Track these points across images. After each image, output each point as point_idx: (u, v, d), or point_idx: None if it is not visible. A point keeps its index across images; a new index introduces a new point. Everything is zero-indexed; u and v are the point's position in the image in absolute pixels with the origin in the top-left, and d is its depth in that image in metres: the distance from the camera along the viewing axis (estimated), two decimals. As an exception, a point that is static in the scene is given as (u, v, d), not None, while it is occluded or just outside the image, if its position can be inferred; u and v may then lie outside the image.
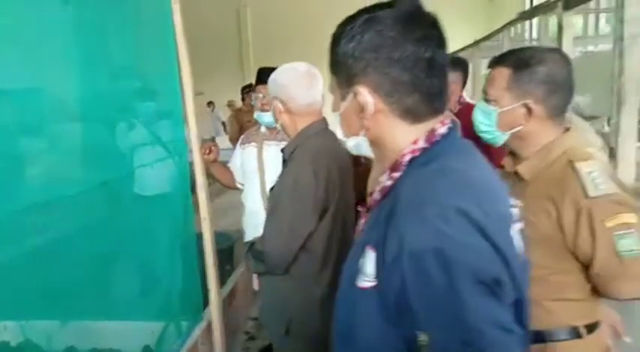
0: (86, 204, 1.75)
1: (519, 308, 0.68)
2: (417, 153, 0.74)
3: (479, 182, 0.72)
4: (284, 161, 1.49)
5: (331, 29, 0.79)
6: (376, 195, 0.80)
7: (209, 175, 2.05)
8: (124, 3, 1.96)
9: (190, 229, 1.97)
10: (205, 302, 2.01)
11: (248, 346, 2.70)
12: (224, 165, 2.36)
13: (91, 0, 1.83)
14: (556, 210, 1.10)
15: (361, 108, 0.74)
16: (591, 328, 1.17)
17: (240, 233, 2.39)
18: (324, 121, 1.50)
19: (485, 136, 1.27)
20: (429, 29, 0.73)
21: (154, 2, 1.91)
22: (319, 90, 1.48)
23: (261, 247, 1.40)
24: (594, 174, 1.08)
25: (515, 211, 0.80)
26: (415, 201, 0.68)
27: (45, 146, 1.65)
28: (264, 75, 1.96)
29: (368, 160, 1.72)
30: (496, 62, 1.24)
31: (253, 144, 2.24)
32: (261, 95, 2.11)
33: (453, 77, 2.57)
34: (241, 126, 4.84)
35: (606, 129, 3.02)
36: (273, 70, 1.53)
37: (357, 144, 0.83)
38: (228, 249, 3.10)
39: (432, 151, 0.74)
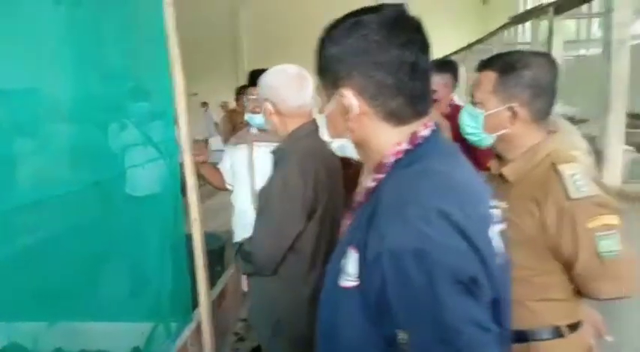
0: (76, 204, 1.75)
1: (497, 307, 0.70)
2: (401, 155, 0.75)
3: (461, 184, 0.74)
4: (274, 162, 1.50)
5: (326, 30, 0.80)
6: (360, 197, 0.82)
7: (199, 176, 2.05)
8: (116, 2, 1.96)
9: (180, 230, 1.97)
10: (195, 304, 2.01)
11: (237, 347, 2.70)
12: (214, 166, 2.36)
13: (83, 0, 1.83)
14: (539, 211, 1.12)
15: (346, 111, 0.76)
16: (574, 327, 1.19)
17: (231, 234, 2.39)
18: (314, 123, 1.51)
19: (472, 138, 1.28)
20: (413, 34, 0.74)
21: (146, 2, 1.92)
22: (309, 92, 1.49)
23: (250, 248, 1.41)
24: (577, 176, 1.10)
25: (496, 212, 0.81)
26: (397, 202, 0.69)
27: (36, 146, 1.65)
28: (256, 77, 1.96)
29: (359, 162, 1.73)
30: (483, 66, 1.26)
31: (243, 145, 2.25)
32: (252, 97, 2.12)
33: (444, 80, 2.59)
34: (234, 126, 4.84)
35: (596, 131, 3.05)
36: (265, 71, 1.54)
37: (342, 146, 0.84)
38: (218, 250, 3.10)
39: (415, 153, 0.75)
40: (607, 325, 1.31)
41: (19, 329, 1.68)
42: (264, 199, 1.42)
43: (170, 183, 1.98)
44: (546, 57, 1.24)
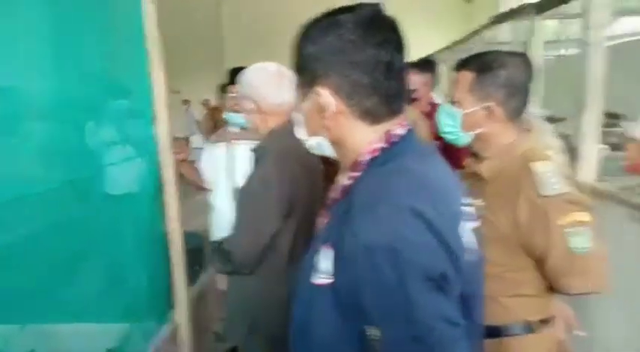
0: (51, 203, 1.71)
1: (467, 303, 0.71)
2: (376, 154, 0.76)
3: (434, 182, 0.75)
4: (254, 160, 1.49)
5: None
6: (335, 194, 0.82)
7: (179, 175, 2.04)
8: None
9: (159, 229, 1.95)
10: (173, 303, 1.99)
11: (217, 346, 2.68)
12: (193, 164, 2.35)
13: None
14: (512, 208, 1.14)
15: (323, 109, 0.76)
16: (545, 323, 1.22)
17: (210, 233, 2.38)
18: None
19: (449, 137, 1.30)
20: (389, 33, 0.75)
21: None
22: (289, 89, 1.49)
23: (228, 246, 1.40)
24: (549, 174, 1.13)
25: (470, 210, 0.82)
26: (371, 199, 0.70)
27: (10, 144, 1.61)
28: (236, 74, 1.96)
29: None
30: (461, 65, 1.28)
31: (222, 143, 2.24)
32: (232, 94, 2.11)
33: (424, 78, 2.62)
34: (215, 124, 4.82)
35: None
36: (245, 69, 1.54)
37: (319, 144, 0.85)
38: (198, 249, 3.08)
39: (390, 152, 0.76)
40: (578, 319, 1.34)
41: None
42: (242, 197, 1.42)
43: (149, 182, 1.96)
44: (522, 57, 1.26)
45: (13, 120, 1.61)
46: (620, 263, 1.40)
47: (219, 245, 1.49)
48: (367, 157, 0.76)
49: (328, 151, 0.84)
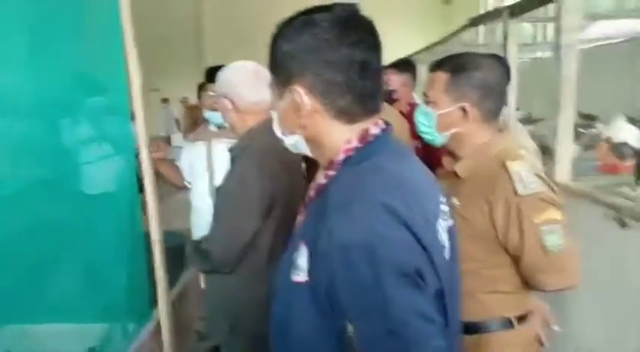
0: (26, 202, 1.68)
1: (442, 299, 0.72)
2: (351, 153, 0.77)
3: (408, 181, 0.76)
4: (232, 159, 1.49)
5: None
6: (312, 193, 0.83)
7: (158, 174, 2.01)
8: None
9: (138, 228, 1.92)
10: (155, 302, 1.97)
11: (198, 346, 2.66)
12: (172, 163, 2.33)
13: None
14: (488, 206, 1.17)
15: (298, 108, 0.76)
16: (522, 318, 1.24)
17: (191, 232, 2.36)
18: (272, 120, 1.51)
19: (426, 137, 1.32)
20: (364, 34, 0.75)
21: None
22: (267, 88, 1.49)
23: (207, 245, 1.39)
24: (523, 173, 1.15)
25: (445, 208, 0.84)
26: (345, 198, 0.70)
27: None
28: (214, 73, 1.94)
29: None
30: (436, 66, 1.29)
31: (201, 142, 2.22)
32: (211, 93, 2.09)
33: (403, 79, 2.64)
34: (195, 123, 4.78)
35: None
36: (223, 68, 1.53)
37: (297, 142, 0.85)
38: (179, 248, 3.05)
39: (365, 151, 0.77)
40: (555, 315, 1.37)
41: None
42: (221, 196, 1.41)
43: (127, 181, 1.93)
44: (496, 59, 1.29)
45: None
46: (594, 260, 1.44)
47: (197, 244, 1.48)
48: (342, 156, 0.77)
49: (304, 150, 0.85)
